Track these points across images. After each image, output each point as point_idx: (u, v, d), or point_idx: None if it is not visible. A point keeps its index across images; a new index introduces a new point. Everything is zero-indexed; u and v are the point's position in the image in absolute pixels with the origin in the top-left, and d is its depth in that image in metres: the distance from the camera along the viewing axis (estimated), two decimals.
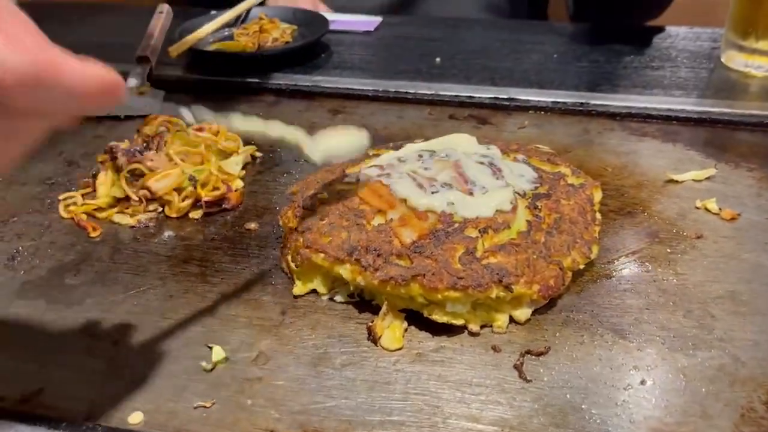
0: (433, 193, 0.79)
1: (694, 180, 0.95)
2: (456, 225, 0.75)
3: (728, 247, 0.82)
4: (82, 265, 0.83)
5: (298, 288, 0.77)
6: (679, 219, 0.87)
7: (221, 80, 1.31)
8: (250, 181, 1.00)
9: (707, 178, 0.95)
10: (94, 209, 0.92)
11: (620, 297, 0.75)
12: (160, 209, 0.92)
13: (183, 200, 0.91)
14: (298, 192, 0.87)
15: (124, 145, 0.96)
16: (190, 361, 0.69)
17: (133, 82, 1.28)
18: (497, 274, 0.70)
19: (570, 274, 0.75)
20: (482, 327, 0.71)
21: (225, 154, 1.01)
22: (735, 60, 1.26)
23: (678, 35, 1.45)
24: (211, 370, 0.68)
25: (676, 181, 0.95)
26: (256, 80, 1.29)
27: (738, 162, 0.99)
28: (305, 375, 0.67)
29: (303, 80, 1.30)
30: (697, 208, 0.89)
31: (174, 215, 0.91)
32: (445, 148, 0.89)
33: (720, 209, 0.88)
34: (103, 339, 0.72)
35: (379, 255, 0.72)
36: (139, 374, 0.67)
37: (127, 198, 0.91)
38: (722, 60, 1.29)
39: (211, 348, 0.70)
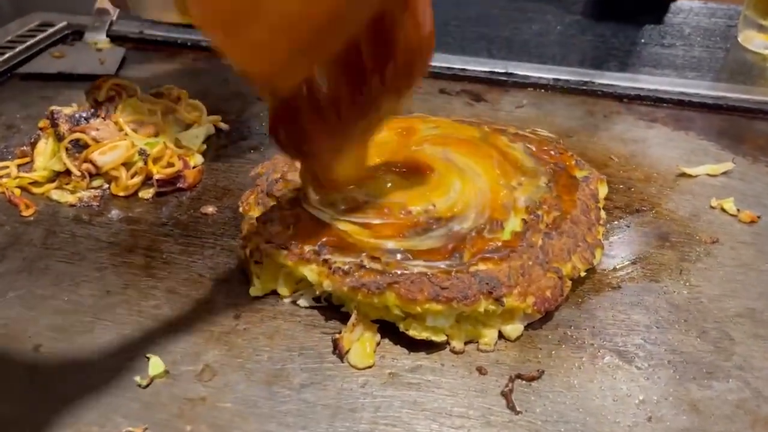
0: None
1: (708, 175, 0.85)
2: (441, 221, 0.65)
3: (747, 255, 0.72)
4: (8, 250, 0.72)
5: (256, 288, 0.66)
6: (692, 220, 0.78)
7: (191, 39, 1.18)
8: (212, 156, 0.88)
9: (723, 173, 0.85)
10: (30, 183, 0.81)
11: (625, 312, 0.66)
12: (106, 186, 0.81)
13: (132, 177, 0.80)
14: (263, 174, 0.76)
15: (68, 110, 0.84)
16: (122, 375, 0.58)
17: (90, 36, 1.15)
18: (487, 284, 0.60)
19: (569, 283, 0.65)
20: (467, 343, 0.62)
21: (184, 125, 0.89)
22: (754, 41, 1.15)
23: (692, 10, 1.33)
24: (147, 386, 0.58)
25: (689, 176, 0.85)
26: None
27: (756, 156, 0.89)
28: (257, 396, 0.57)
29: None
30: (712, 207, 0.79)
31: (121, 194, 0.80)
32: None
33: (738, 210, 0.78)
34: (22, 342, 0.62)
35: (350, 256, 0.61)
36: (61, 389, 0.57)
37: (68, 172, 0.80)
38: (739, 40, 1.18)
39: (148, 359, 0.59)
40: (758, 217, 0.77)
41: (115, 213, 0.78)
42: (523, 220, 0.67)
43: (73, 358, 0.60)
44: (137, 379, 0.58)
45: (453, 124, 0.81)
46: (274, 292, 0.67)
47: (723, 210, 0.79)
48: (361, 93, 0.57)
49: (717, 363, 0.60)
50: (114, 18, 1.19)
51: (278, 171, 0.74)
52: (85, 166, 0.79)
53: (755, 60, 1.14)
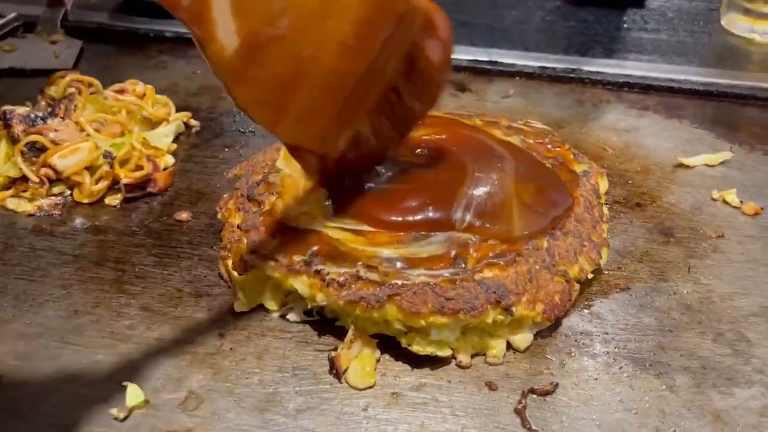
0: None
1: (706, 165, 0.82)
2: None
3: (755, 249, 0.70)
4: None
5: (241, 303, 0.61)
6: (694, 213, 0.74)
7: (154, 29, 1.10)
8: (183, 157, 0.82)
9: (721, 163, 0.82)
10: None
11: (636, 315, 0.62)
12: (68, 193, 0.74)
13: (97, 182, 0.73)
14: (242, 176, 0.70)
15: (22, 109, 0.77)
16: (97, 406, 0.53)
17: (43, 28, 1.07)
18: (494, 292, 0.55)
19: (577, 286, 0.61)
20: (473, 357, 0.57)
21: (152, 123, 0.82)
22: (738, 24, 1.13)
23: None
24: (125, 418, 0.52)
25: (687, 166, 0.82)
26: None
27: (753, 144, 0.86)
28: (249, 425, 0.52)
29: None
30: (714, 199, 0.76)
31: (85, 201, 0.73)
32: None
33: (741, 202, 0.75)
34: None
35: (344, 266, 0.56)
36: (26, 425, 0.51)
37: (25, 178, 0.73)
38: (722, 23, 1.16)
39: (125, 387, 0.54)
40: (762, 209, 0.74)
41: (79, 222, 0.71)
42: None
43: (38, 389, 0.54)
44: (113, 411, 0.52)
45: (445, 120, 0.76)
46: (261, 307, 0.61)
47: (725, 202, 0.76)
48: (400, 122, 0.60)
49: (736, 368, 0.57)
50: (69, 8, 1.10)
51: (258, 172, 0.69)
52: (43, 171, 0.72)
53: (740, 44, 1.12)
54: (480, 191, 0.61)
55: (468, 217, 0.59)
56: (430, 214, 0.59)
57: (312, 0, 0.48)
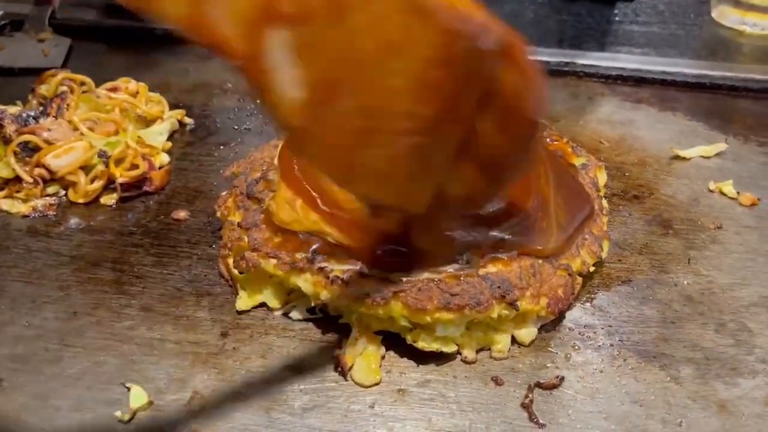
0: None
1: (702, 156, 0.82)
2: None
3: (753, 240, 0.70)
4: None
5: (243, 301, 0.60)
6: (692, 205, 0.75)
7: (144, 27, 1.08)
8: (179, 155, 0.81)
9: (716, 155, 0.83)
10: None
11: (638, 307, 0.62)
12: (63, 193, 0.73)
13: (92, 182, 0.72)
14: (240, 173, 0.69)
15: (13, 109, 0.76)
16: (100, 409, 0.52)
17: (31, 26, 1.05)
18: (499, 287, 0.55)
19: (580, 280, 0.61)
20: (478, 352, 0.57)
21: (146, 122, 0.81)
22: (729, 16, 1.13)
23: None
24: (130, 420, 0.51)
25: (683, 158, 0.82)
26: None
27: (747, 135, 0.87)
28: (255, 425, 0.51)
29: None
30: (711, 191, 0.77)
31: (80, 201, 0.72)
32: None
33: (738, 193, 0.76)
34: None
35: (348, 263, 0.56)
36: (28, 430, 0.50)
37: (18, 179, 0.71)
38: (713, 15, 1.16)
39: (128, 389, 0.53)
40: (759, 200, 0.75)
41: (74, 222, 0.70)
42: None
43: (39, 392, 0.53)
44: (117, 413, 0.51)
45: None
46: (263, 305, 0.61)
47: (722, 193, 0.76)
48: (489, 168, 0.49)
49: (739, 358, 0.58)
50: (56, 5, 1.09)
51: (257, 170, 0.68)
52: (37, 171, 0.71)
53: (731, 36, 1.12)
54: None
55: (506, 236, 0.58)
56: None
57: (372, 43, 0.41)
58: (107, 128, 0.76)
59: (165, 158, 0.78)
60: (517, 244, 0.57)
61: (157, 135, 0.79)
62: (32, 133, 0.72)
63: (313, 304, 0.59)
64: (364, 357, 0.55)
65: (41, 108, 0.77)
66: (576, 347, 0.58)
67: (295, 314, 0.60)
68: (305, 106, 0.42)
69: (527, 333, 0.58)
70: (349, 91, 0.43)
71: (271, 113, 0.43)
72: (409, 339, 0.56)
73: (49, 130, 0.73)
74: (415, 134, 0.45)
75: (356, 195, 0.52)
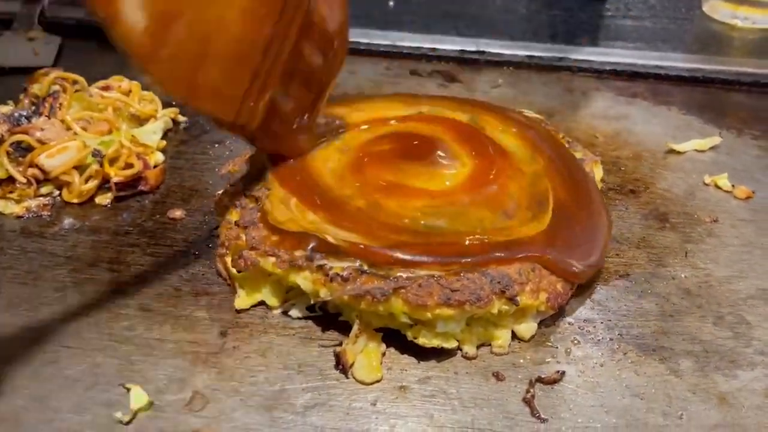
0: None
1: (696, 150, 0.83)
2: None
3: (748, 232, 0.70)
4: None
5: (242, 300, 0.60)
6: (688, 198, 0.75)
7: None
8: (173, 154, 0.80)
9: (711, 148, 0.83)
10: None
11: (637, 301, 0.62)
12: (56, 193, 0.72)
13: (86, 181, 0.72)
14: (236, 172, 0.69)
15: (5, 108, 0.75)
16: (99, 411, 0.51)
17: (20, 24, 1.04)
18: (498, 283, 0.55)
19: None
20: (479, 347, 0.57)
21: (139, 120, 0.81)
22: (720, 10, 1.14)
23: None
24: (130, 422, 0.51)
25: (678, 152, 0.82)
26: None
27: (741, 129, 0.87)
28: (257, 424, 0.51)
29: None
30: (706, 184, 0.77)
31: (75, 201, 0.71)
32: None
33: (733, 186, 0.76)
34: None
35: (347, 260, 0.56)
36: None
37: (12, 179, 0.71)
38: (704, 10, 1.17)
39: (128, 390, 0.52)
40: (753, 193, 0.75)
41: (69, 223, 0.70)
42: None
43: (38, 395, 0.52)
44: (118, 415, 0.51)
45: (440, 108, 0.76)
46: (262, 303, 0.60)
47: (717, 186, 0.77)
48: (312, 82, 0.62)
49: (738, 350, 0.58)
50: (45, 3, 1.08)
51: (253, 168, 0.67)
52: (30, 171, 0.70)
53: (722, 30, 1.13)
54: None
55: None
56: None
57: None
58: (101, 127, 0.75)
59: (160, 157, 0.78)
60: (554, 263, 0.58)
61: (151, 134, 0.79)
62: (25, 132, 0.71)
63: (312, 302, 0.58)
64: (365, 354, 0.55)
65: (33, 107, 0.76)
66: (576, 342, 0.58)
67: (294, 312, 0.60)
68: (149, 32, 0.49)
69: (527, 328, 0.58)
70: (187, 21, 0.51)
71: (121, 43, 0.49)
72: (409, 335, 0.56)
73: (42, 129, 0.72)
74: (247, 55, 0.54)
75: (200, 112, 0.60)
